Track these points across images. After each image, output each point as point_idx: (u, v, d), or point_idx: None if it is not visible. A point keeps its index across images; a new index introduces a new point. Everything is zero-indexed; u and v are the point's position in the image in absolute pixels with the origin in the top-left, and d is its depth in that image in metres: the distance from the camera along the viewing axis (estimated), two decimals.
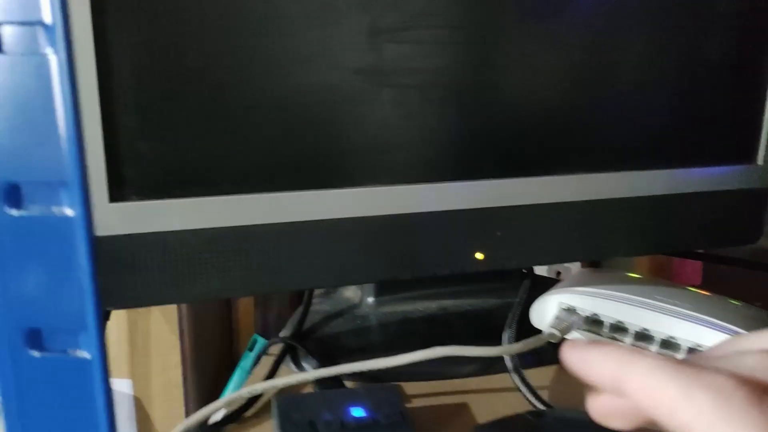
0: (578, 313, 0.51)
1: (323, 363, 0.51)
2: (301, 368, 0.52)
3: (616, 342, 0.50)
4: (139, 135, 0.44)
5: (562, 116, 0.50)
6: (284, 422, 0.43)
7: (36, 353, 0.25)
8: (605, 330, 0.50)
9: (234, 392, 0.49)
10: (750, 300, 0.54)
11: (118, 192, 0.44)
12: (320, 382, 0.48)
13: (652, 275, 0.72)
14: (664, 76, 0.51)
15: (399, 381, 0.51)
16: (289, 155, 0.47)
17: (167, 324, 0.84)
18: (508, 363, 0.51)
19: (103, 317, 0.26)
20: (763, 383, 0.23)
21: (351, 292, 0.62)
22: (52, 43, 0.23)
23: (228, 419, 0.47)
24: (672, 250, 0.62)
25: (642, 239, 0.53)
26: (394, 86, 0.47)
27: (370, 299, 0.60)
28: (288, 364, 0.53)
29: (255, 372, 0.54)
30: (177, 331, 0.84)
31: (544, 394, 0.50)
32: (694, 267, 0.76)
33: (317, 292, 0.62)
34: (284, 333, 0.57)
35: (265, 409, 0.49)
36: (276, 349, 0.55)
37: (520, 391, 0.50)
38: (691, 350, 0.48)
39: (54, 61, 0.23)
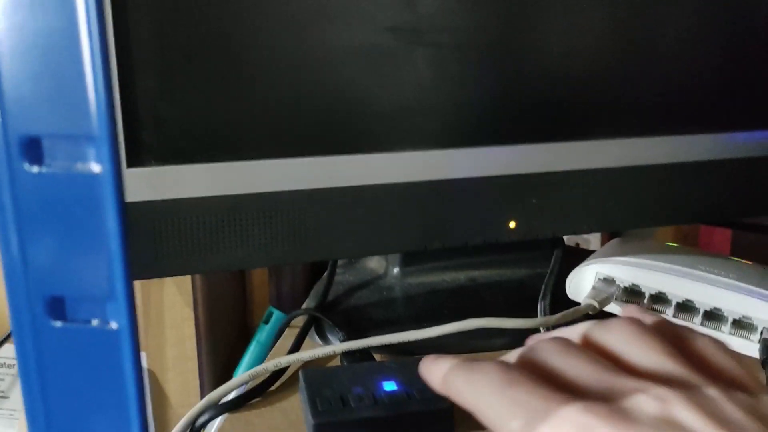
0: (617, 284, 0.48)
1: (349, 336, 0.49)
2: (326, 341, 0.50)
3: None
4: (158, 96, 0.41)
5: (604, 77, 0.47)
6: (313, 397, 0.41)
7: (58, 323, 0.23)
8: (645, 301, 0.48)
9: (254, 365, 0.47)
10: None
11: (136, 157, 0.42)
12: (347, 356, 0.46)
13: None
14: (710, 36, 0.48)
15: (427, 354, 0.49)
16: (316, 118, 0.44)
17: (181, 296, 0.82)
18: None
19: None
20: (541, 366, 0.26)
21: (375, 263, 0.60)
22: None
23: (252, 394, 0.45)
24: (714, 219, 0.60)
25: (683, 208, 0.51)
26: (428, 45, 0.44)
27: (396, 270, 0.57)
28: (312, 337, 0.52)
29: (277, 345, 0.53)
30: (191, 303, 0.83)
31: None
32: (723, 235, 0.74)
33: (340, 262, 0.60)
34: (308, 304, 0.55)
35: (290, 383, 0.47)
36: (299, 321, 0.53)
37: None
38: (736, 322, 0.46)
39: None
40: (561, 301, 0.50)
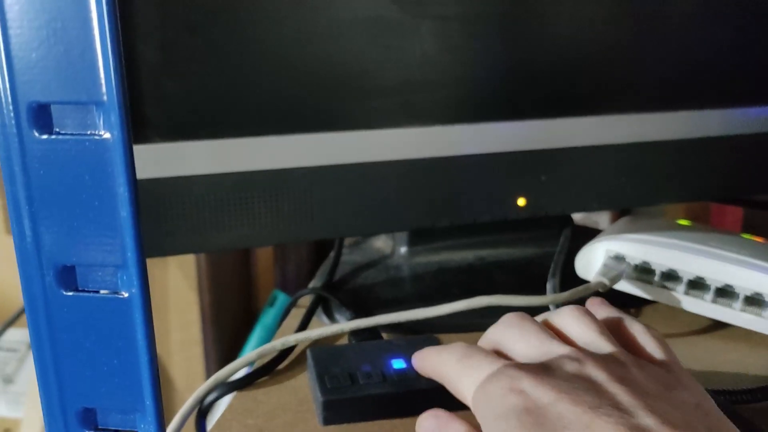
0: (627, 261, 0.48)
1: (357, 314, 0.48)
2: (333, 320, 0.50)
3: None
4: (162, 71, 0.41)
5: (613, 51, 0.47)
6: (322, 375, 0.41)
7: (69, 293, 0.23)
8: (656, 278, 0.47)
9: (262, 346, 0.47)
10: None
11: (140, 133, 0.42)
12: (355, 334, 0.46)
13: None
14: (720, 8, 0.48)
15: (436, 333, 0.49)
16: (321, 93, 0.44)
17: (185, 280, 0.82)
18: None
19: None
20: (498, 338, 0.33)
21: (382, 242, 0.59)
22: None
23: (259, 372, 0.45)
24: (725, 197, 0.59)
25: (694, 185, 0.50)
26: (434, 17, 0.43)
27: (403, 249, 0.57)
28: (319, 317, 0.51)
29: (284, 325, 0.52)
30: (195, 287, 0.82)
31: None
32: (734, 215, 0.74)
33: (346, 243, 0.60)
34: (314, 284, 0.55)
35: (298, 362, 0.47)
36: (306, 300, 0.52)
37: None
38: (749, 299, 0.45)
39: None
40: (570, 280, 0.50)
